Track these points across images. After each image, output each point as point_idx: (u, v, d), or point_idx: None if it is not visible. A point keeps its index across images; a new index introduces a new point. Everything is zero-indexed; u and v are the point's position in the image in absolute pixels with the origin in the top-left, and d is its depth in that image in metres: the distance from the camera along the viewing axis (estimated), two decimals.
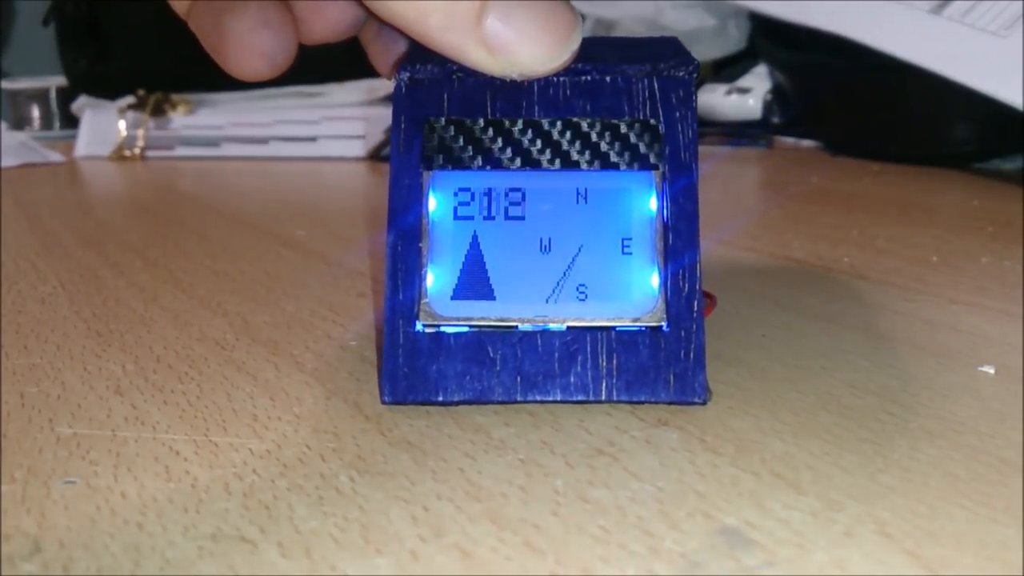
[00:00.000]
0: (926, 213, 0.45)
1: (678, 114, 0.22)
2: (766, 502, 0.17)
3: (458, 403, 0.22)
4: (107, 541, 0.16)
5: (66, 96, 0.95)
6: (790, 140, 0.70)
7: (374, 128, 0.74)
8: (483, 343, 0.22)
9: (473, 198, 0.22)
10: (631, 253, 0.22)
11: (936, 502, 0.16)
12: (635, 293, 0.21)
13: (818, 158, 0.65)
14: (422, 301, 0.22)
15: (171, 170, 0.73)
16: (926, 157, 0.59)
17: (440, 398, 0.21)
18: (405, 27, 0.21)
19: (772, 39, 0.66)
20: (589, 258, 0.22)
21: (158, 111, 0.80)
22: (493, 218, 0.22)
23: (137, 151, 0.79)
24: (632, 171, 0.22)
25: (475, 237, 0.22)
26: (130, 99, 0.81)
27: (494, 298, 0.22)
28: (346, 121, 0.76)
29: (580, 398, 0.21)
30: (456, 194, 0.22)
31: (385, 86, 0.76)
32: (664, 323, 0.21)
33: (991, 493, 0.17)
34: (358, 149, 0.74)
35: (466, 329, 0.22)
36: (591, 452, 0.19)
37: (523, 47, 0.20)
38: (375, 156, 0.73)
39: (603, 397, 0.21)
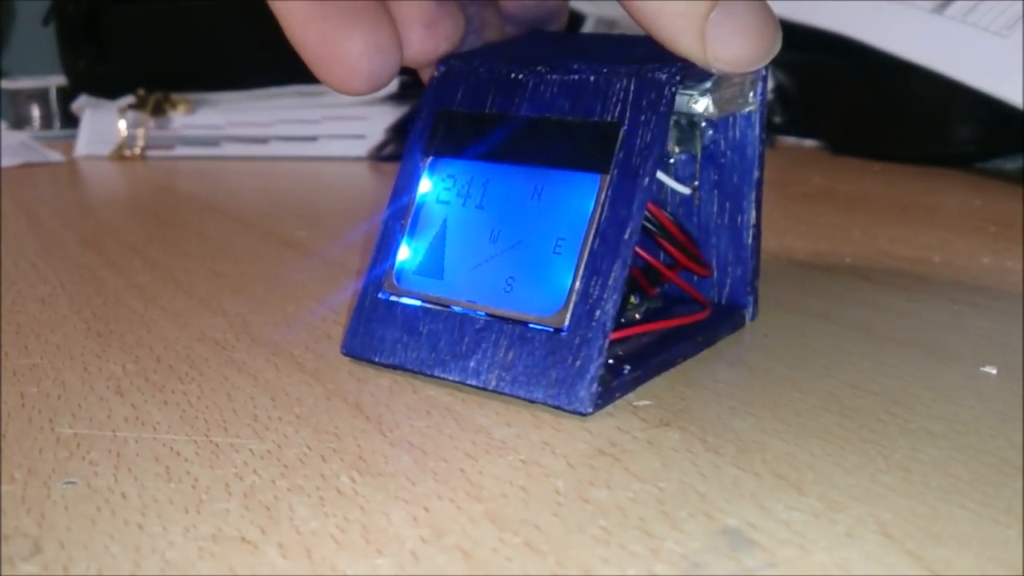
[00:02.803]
0: (928, 213, 0.45)
1: (643, 117, 0.22)
2: (767, 503, 0.17)
3: (388, 366, 0.24)
4: (107, 542, 0.16)
5: (66, 96, 0.95)
6: (792, 139, 0.70)
7: (375, 128, 0.74)
8: (419, 317, 0.23)
9: (454, 185, 0.24)
10: (560, 253, 0.22)
11: (938, 503, 0.16)
12: (550, 292, 0.22)
13: (820, 157, 0.64)
14: (390, 272, 0.24)
15: (171, 170, 0.73)
16: (928, 157, 0.58)
17: (376, 359, 0.24)
18: (638, 9, 0.22)
19: None
20: (523, 253, 0.22)
21: (158, 111, 0.79)
22: (464, 205, 0.24)
23: (137, 151, 0.79)
24: (581, 172, 0.22)
25: (445, 221, 0.24)
26: (130, 99, 0.81)
27: (443, 278, 0.24)
28: (347, 121, 0.76)
29: (472, 383, 0.22)
30: (444, 180, 0.24)
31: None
32: (564, 326, 0.21)
33: (993, 494, 0.17)
34: (359, 149, 0.74)
35: (417, 303, 0.24)
36: (592, 453, 0.19)
37: (736, 44, 0.22)
38: (376, 156, 0.73)
39: (491, 386, 0.22)
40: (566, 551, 0.15)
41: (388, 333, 0.24)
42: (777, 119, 0.70)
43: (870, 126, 0.63)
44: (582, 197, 0.22)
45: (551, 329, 0.21)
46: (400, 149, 0.74)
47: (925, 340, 0.25)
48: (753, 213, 0.26)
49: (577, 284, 0.21)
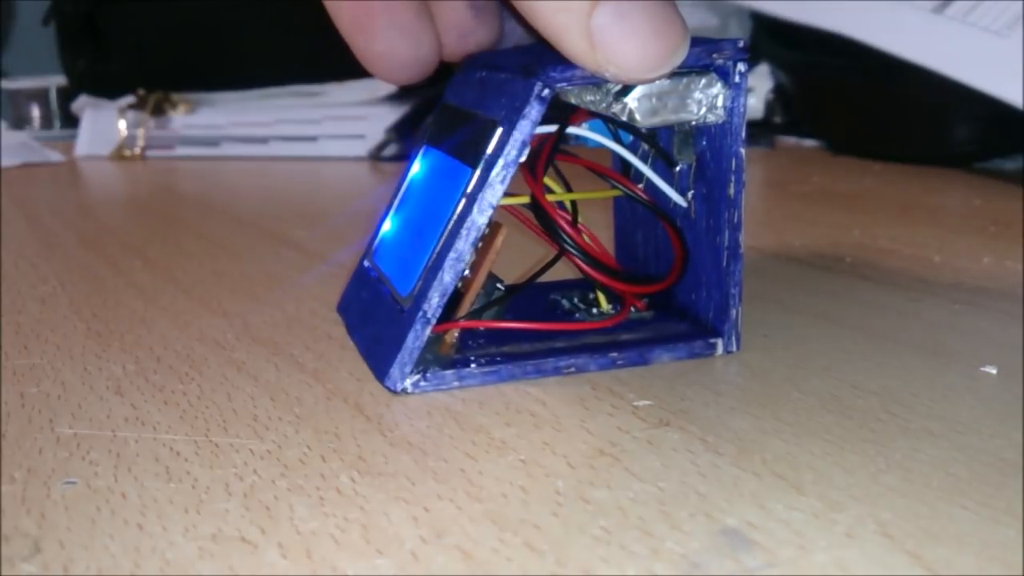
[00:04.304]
0: (928, 213, 0.45)
1: (512, 119, 0.22)
2: (767, 503, 0.17)
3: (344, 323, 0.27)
4: (107, 542, 0.16)
5: (66, 96, 0.95)
6: (792, 139, 0.70)
7: (375, 128, 0.74)
8: (366, 285, 0.26)
9: (424, 169, 0.26)
10: (430, 240, 0.23)
11: (937, 503, 0.16)
12: (411, 275, 0.23)
13: (820, 157, 0.64)
14: (373, 243, 0.27)
15: (171, 170, 0.73)
16: (928, 157, 0.58)
17: (344, 318, 0.27)
18: (521, 7, 0.21)
19: (774, 38, 0.66)
20: (414, 235, 0.24)
21: (158, 110, 0.80)
22: (420, 188, 0.26)
23: (137, 151, 0.79)
24: (464, 166, 0.23)
25: (411, 199, 0.26)
26: (130, 99, 0.81)
27: (389, 250, 0.26)
28: (347, 121, 0.76)
29: (359, 349, 0.25)
30: (423, 164, 0.26)
31: (386, 86, 0.76)
32: (406, 309, 0.23)
33: (993, 494, 0.17)
34: (359, 149, 0.74)
35: (376, 273, 0.26)
36: (592, 452, 0.19)
37: (627, 48, 0.20)
38: (376, 156, 0.73)
39: (363, 354, 0.24)
40: (566, 551, 0.15)
41: (354, 297, 0.27)
42: (777, 119, 0.70)
43: (870, 126, 0.63)
44: (455, 189, 0.23)
45: (398, 307, 0.23)
46: (400, 149, 0.74)
47: (925, 340, 0.25)
48: (727, 234, 0.24)
49: (425, 272, 0.22)
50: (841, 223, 0.42)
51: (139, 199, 0.62)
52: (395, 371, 0.22)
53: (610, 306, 0.26)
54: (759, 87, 0.71)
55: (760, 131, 0.71)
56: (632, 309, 0.26)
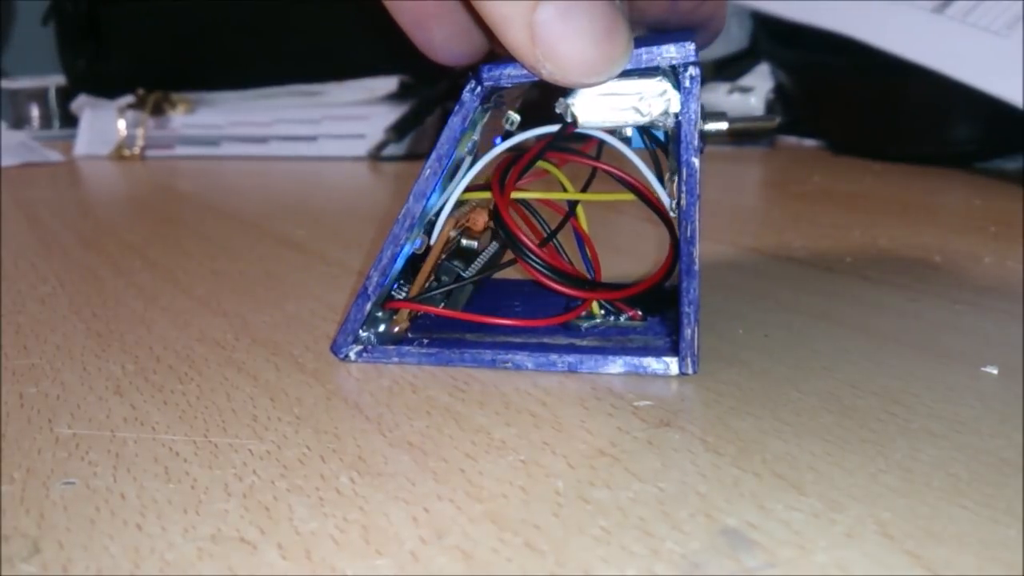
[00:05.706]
0: (928, 213, 0.45)
1: (449, 115, 0.23)
2: (767, 503, 0.17)
3: None
4: (106, 542, 0.16)
5: (65, 95, 0.95)
6: (792, 139, 0.70)
7: (375, 127, 0.74)
8: None
9: None
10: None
11: (938, 503, 0.16)
12: None
13: (820, 157, 0.65)
14: None
15: (171, 169, 0.73)
16: (928, 156, 0.59)
17: None
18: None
19: (774, 38, 0.66)
20: None
21: (158, 110, 0.80)
22: None
23: (136, 150, 0.79)
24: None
25: None
26: (129, 98, 0.81)
27: None
28: (346, 120, 0.76)
29: None
30: None
31: (385, 86, 0.76)
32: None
33: (993, 494, 0.17)
34: (358, 148, 0.74)
35: None
36: (592, 453, 0.19)
37: (567, 49, 0.20)
38: (375, 155, 0.73)
39: None
40: (566, 551, 0.15)
41: None
42: (777, 119, 0.70)
43: (870, 126, 0.63)
44: None
45: None
46: (400, 149, 0.74)
47: (925, 340, 0.25)
48: (682, 247, 0.22)
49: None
50: (841, 223, 0.42)
51: (139, 199, 0.62)
52: (339, 339, 0.24)
53: (601, 311, 0.26)
54: (759, 86, 0.71)
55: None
56: (623, 317, 0.26)
